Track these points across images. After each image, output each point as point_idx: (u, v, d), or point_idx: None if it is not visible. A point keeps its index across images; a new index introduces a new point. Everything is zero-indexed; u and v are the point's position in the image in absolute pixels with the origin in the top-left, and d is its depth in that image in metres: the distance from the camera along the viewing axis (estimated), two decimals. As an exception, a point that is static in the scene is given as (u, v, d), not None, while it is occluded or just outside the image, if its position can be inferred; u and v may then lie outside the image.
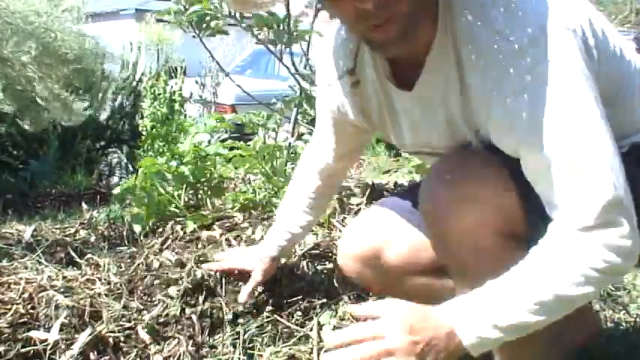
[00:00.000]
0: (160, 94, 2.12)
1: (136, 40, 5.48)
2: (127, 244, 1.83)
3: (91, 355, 1.20)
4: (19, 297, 1.29)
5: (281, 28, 2.08)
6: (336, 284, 1.54)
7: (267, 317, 1.38)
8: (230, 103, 5.99)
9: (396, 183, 2.37)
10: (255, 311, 1.40)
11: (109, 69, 4.52)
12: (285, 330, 1.37)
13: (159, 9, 2.41)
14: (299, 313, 1.42)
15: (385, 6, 0.86)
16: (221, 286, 1.41)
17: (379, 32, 0.90)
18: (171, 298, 1.36)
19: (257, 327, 1.35)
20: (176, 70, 4.51)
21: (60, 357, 1.17)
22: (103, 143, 4.71)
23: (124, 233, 1.89)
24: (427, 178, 1.06)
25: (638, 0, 14.30)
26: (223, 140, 2.49)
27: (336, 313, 1.44)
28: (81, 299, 1.30)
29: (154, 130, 2.01)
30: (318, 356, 1.30)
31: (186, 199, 1.97)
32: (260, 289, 1.43)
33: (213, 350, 1.29)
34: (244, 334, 1.33)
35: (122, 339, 1.25)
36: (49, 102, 2.68)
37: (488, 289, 0.89)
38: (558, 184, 0.87)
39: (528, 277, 0.88)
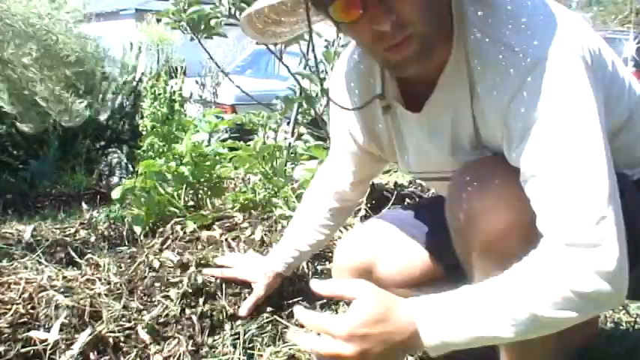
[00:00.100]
0: (160, 94, 2.12)
1: (136, 40, 5.47)
2: (127, 244, 1.83)
3: (91, 355, 1.20)
4: (19, 297, 1.29)
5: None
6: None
7: (267, 317, 1.38)
8: (230, 103, 6.00)
9: (396, 183, 2.37)
10: (255, 311, 1.39)
11: (109, 69, 4.52)
12: (285, 330, 1.37)
13: (159, 9, 2.41)
14: (299, 313, 1.42)
15: (402, 27, 0.87)
16: (221, 291, 1.41)
17: (396, 52, 0.90)
18: (171, 300, 1.36)
19: (257, 327, 1.35)
20: (176, 70, 4.51)
21: (60, 357, 1.17)
22: (103, 143, 4.71)
23: (124, 233, 1.89)
24: (451, 187, 1.03)
25: (638, 0, 14.29)
26: (223, 140, 2.49)
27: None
28: (81, 299, 1.30)
29: (154, 129, 2.00)
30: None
31: (186, 199, 1.97)
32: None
33: (213, 350, 1.29)
34: (244, 334, 1.33)
35: (122, 339, 1.25)
36: (50, 103, 2.68)
37: (464, 295, 0.86)
38: (550, 198, 0.86)
39: (508, 289, 0.85)
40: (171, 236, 1.74)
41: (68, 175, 4.02)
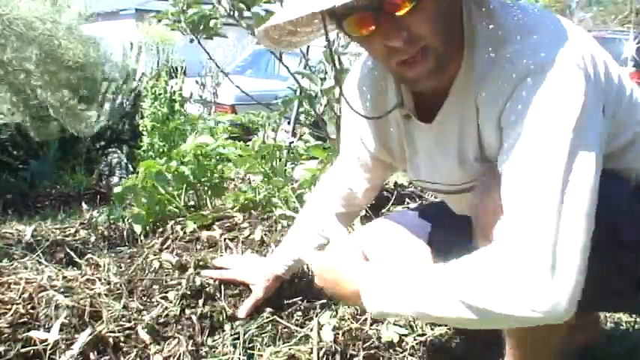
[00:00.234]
0: (160, 94, 2.12)
1: (136, 40, 5.48)
2: (127, 244, 1.83)
3: (91, 355, 1.20)
4: (19, 297, 1.29)
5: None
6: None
7: (267, 317, 1.38)
8: (230, 103, 6.00)
9: (395, 183, 2.37)
10: (254, 312, 1.39)
11: (109, 69, 4.52)
12: (285, 330, 1.37)
13: (159, 9, 2.41)
14: (299, 313, 1.42)
15: (414, 41, 0.88)
16: (221, 291, 1.41)
17: (411, 68, 0.92)
18: (171, 301, 1.36)
19: (257, 327, 1.35)
20: (176, 70, 4.51)
21: (60, 357, 1.17)
22: (103, 143, 4.71)
23: (124, 233, 1.89)
24: (479, 186, 1.04)
25: (638, 0, 14.28)
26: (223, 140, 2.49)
27: (336, 313, 1.43)
28: (81, 299, 1.30)
29: (154, 129, 2.01)
30: (318, 356, 1.30)
31: (186, 199, 1.97)
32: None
33: (213, 350, 1.29)
34: (244, 335, 1.33)
35: (122, 339, 1.25)
36: (58, 111, 2.68)
37: (406, 273, 0.92)
38: (517, 217, 0.85)
39: (446, 279, 0.87)
40: (171, 236, 1.74)
41: (68, 175, 4.03)
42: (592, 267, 0.89)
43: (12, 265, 1.51)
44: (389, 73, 1.07)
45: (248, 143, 2.07)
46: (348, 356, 1.33)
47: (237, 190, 2.11)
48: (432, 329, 1.45)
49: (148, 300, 1.38)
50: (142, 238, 1.84)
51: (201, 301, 1.37)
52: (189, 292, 1.37)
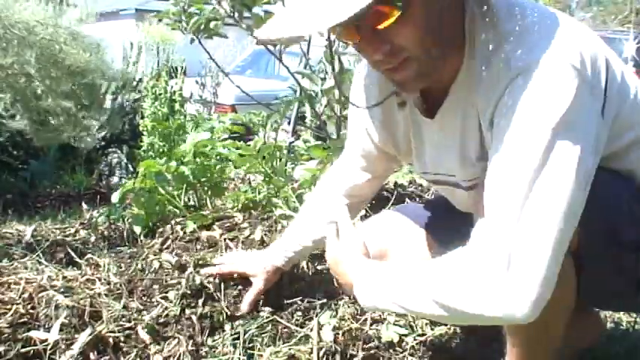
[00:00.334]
0: (160, 94, 2.12)
1: (136, 40, 5.48)
2: (127, 244, 1.83)
3: (91, 355, 1.20)
4: (19, 297, 1.29)
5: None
6: (336, 284, 1.54)
7: (267, 317, 1.38)
8: (230, 103, 5.99)
9: (396, 183, 2.37)
10: (255, 311, 1.39)
11: (109, 70, 4.52)
12: (285, 330, 1.37)
13: (159, 9, 2.41)
14: (299, 313, 1.42)
15: (396, 53, 0.90)
16: (221, 291, 1.41)
17: (395, 73, 0.94)
18: (171, 301, 1.36)
19: (257, 327, 1.35)
20: (176, 70, 4.51)
21: (60, 357, 1.17)
22: (103, 143, 4.71)
23: (124, 233, 1.89)
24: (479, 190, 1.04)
25: (638, 0, 14.28)
26: (223, 140, 2.49)
27: (336, 313, 1.44)
28: (81, 299, 1.30)
29: (154, 129, 2.01)
30: (318, 356, 1.30)
31: (186, 199, 1.97)
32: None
33: (213, 350, 1.29)
34: (244, 334, 1.33)
35: (122, 339, 1.25)
36: (59, 118, 2.68)
37: (396, 271, 0.97)
38: (496, 218, 0.86)
39: (430, 278, 0.91)
40: (171, 236, 1.74)
41: (68, 175, 4.03)
42: (591, 267, 0.89)
43: (12, 265, 1.51)
44: None
45: (248, 143, 2.07)
46: (348, 356, 1.33)
47: (237, 190, 2.11)
48: (432, 329, 1.45)
49: (148, 300, 1.38)
50: (142, 238, 1.84)
51: (201, 301, 1.37)
52: (189, 292, 1.37)
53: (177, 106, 2.32)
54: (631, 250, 0.97)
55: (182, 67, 4.72)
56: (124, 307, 1.33)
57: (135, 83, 4.95)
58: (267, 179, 2.00)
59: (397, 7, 0.84)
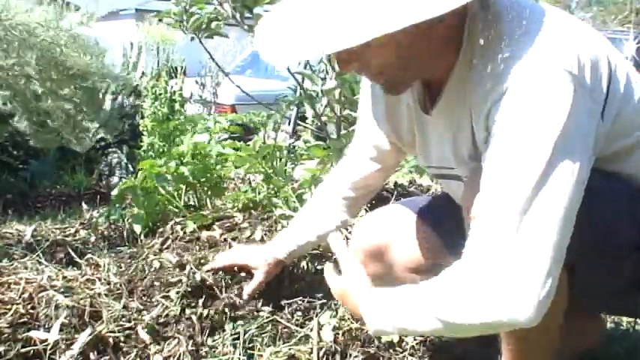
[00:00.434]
0: (160, 94, 2.12)
1: (136, 40, 5.48)
2: (127, 244, 1.83)
3: (91, 355, 1.20)
4: (19, 297, 1.29)
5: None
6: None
7: (267, 317, 1.38)
8: (230, 103, 5.99)
9: (396, 183, 2.37)
10: (255, 311, 1.39)
11: (110, 73, 4.52)
12: (285, 330, 1.37)
13: (159, 9, 2.41)
14: (299, 313, 1.42)
15: (365, 69, 0.95)
16: (220, 289, 1.41)
17: (374, 80, 1.00)
18: (171, 300, 1.36)
19: (257, 327, 1.35)
20: (176, 70, 4.51)
21: (60, 357, 1.17)
22: (103, 143, 4.71)
23: (124, 233, 1.89)
24: (466, 183, 1.06)
25: (638, 0, 14.27)
26: (223, 140, 2.49)
27: (336, 313, 1.43)
28: (81, 299, 1.30)
29: (154, 129, 2.01)
30: (318, 356, 1.30)
31: (186, 199, 1.97)
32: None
33: (213, 350, 1.29)
34: (244, 334, 1.33)
35: (122, 339, 1.25)
36: (57, 121, 2.68)
37: (399, 295, 0.97)
38: (488, 231, 0.86)
39: (433, 298, 0.91)
40: (171, 236, 1.74)
41: (68, 175, 4.03)
42: (588, 268, 0.89)
43: (12, 265, 1.51)
44: None
45: (248, 143, 2.07)
46: (348, 356, 1.33)
47: (237, 190, 2.11)
48: (432, 329, 1.45)
49: (148, 300, 1.38)
50: (142, 238, 1.84)
51: (201, 301, 1.37)
52: (189, 290, 1.37)
53: (177, 106, 2.32)
54: (629, 251, 0.97)
55: (182, 67, 4.72)
56: (124, 307, 1.33)
57: (135, 83, 4.95)
58: (267, 179, 2.00)
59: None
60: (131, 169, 4.22)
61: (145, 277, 1.46)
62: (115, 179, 4.29)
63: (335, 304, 1.47)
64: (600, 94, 0.89)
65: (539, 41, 0.87)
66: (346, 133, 2.17)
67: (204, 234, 1.71)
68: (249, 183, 2.26)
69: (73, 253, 1.69)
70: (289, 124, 2.81)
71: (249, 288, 1.40)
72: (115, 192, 1.92)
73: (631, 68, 0.99)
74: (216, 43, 2.38)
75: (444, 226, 1.26)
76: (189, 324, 1.31)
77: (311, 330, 1.37)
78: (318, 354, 1.30)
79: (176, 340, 1.28)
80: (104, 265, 1.54)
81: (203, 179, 2.00)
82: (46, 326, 1.23)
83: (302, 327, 1.38)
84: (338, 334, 1.36)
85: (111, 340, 1.24)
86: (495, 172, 0.86)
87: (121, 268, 1.55)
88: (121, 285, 1.41)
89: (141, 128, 2.09)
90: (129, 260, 1.60)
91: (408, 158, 2.60)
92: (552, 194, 0.83)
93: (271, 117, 2.26)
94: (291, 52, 0.86)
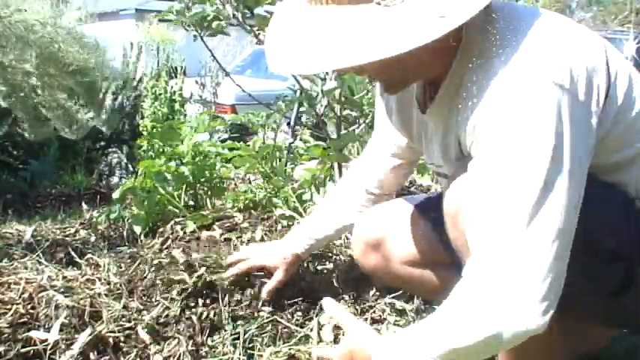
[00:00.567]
0: (160, 94, 2.12)
1: (136, 40, 5.48)
2: (127, 244, 1.83)
3: (91, 355, 1.20)
4: (19, 297, 1.29)
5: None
6: (336, 284, 1.54)
7: (267, 317, 1.38)
8: (230, 103, 6.00)
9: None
10: (255, 311, 1.39)
11: (109, 70, 4.52)
12: (285, 330, 1.37)
13: (159, 9, 2.41)
14: (299, 313, 1.42)
15: (364, 72, 1.00)
16: (222, 291, 1.41)
17: (372, 80, 1.04)
18: (173, 299, 1.36)
19: (257, 327, 1.35)
20: (176, 70, 4.51)
21: (60, 357, 1.17)
22: (103, 143, 4.71)
23: (124, 233, 1.89)
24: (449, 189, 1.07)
25: (638, 0, 14.27)
26: (223, 140, 2.49)
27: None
28: (81, 299, 1.30)
29: (154, 129, 2.01)
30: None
31: (186, 199, 1.97)
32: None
33: (213, 350, 1.29)
34: (244, 334, 1.33)
35: (122, 339, 1.25)
36: (52, 110, 2.68)
37: (409, 336, 0.95)
38: (481, 231, 0.87)
39: (441, 332, 0.90)
40: (171, 236, 1.74)
41: (68, 175, 4.03)
42: (573, 277, 0.89)
43: (12, 265, 1.51)
44: None
45: (248, 143, 2.07)
46: (348, 356, 1.32)
47: (237, 190, 2.11)
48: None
49: (148, 300, 1.38)
50: (142, 238, 1.84)
51: (201, 301, 1.37)
52: (190, 290, 1.37)
53: (177, 106, 2.33)
54: (609, 259, 0.97)
55: (182, 67, 4.72)
56: (124, 307, 1.33)
57: (135, 83, 4.95)
58: (266, 179, 2.00)
59: None
60: (131, 169, 4.22)
61: (145, 277, 1.46)
62: (115, 179, 4.29)
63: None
64: (595, 102, 0.89)
65: (531, 52, 0.87)
66: (346, 133, 2.17)
67: (204, 234, 1.72)
68: (249, 183, 2.26)
69: (73, 253, 1.69)
70: (289, 124, 2.81)
71: (268, 287, 1.39)
72: (116, 194, 1.92)
73: (634, 72, 0.98)
74: (216, 43, 2.38)
75: (441, 221, 1.27)
76: (189, 324, 1.31)
77: (311, 330, 1.37)
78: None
79: (176, 340, 1.28)
80: (104, 265, 1.54)
81: (203, 179, 2.00)
82: (46, 326, 1.23)
83: (302, 327, 1.38)
84: (338, 334, 1.36)
85: (111, 340, 1.24)
86: (487, 192, 0.87)
87: (121, 268, 1.55)
88: (121, 285, 1.41)
89: (141, 128, 2.09)
90: (129, 260, 1.60)
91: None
92: (548, 214, 0.84)
93: (271, 117, 2.26)
94: (287, 66, 0.92)
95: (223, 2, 1.95)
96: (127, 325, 1.28)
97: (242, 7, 1.95)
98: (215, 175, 2.04)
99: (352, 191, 1.40)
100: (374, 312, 1.46)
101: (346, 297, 1.48)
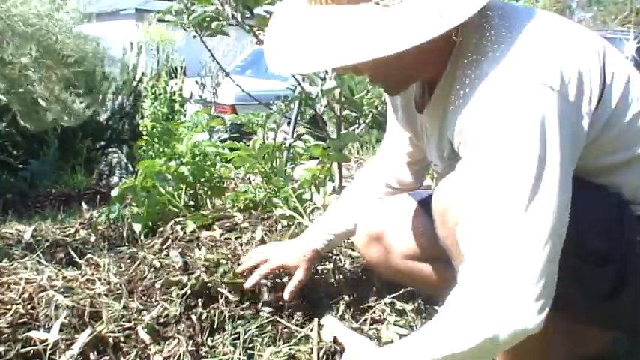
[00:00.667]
0: (160, 94, 2.12)
1: (136, 40, 5.48)
2: (127, 244, 1.83)
3: (91, 355, 1.20)
4: (19, 297, 1.29)
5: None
6: (336, 284, 1.54)
7: (267, 317, 1.38)
8: (230, 103, 5.99)
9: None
10: (255, 311, 1.39)
11: (109, 69, 4.52)
12: (285, 330, 1.37)
13: (159, 9, 2.41)
14: (299, 313, 1.42)
15: (359, 74, 1.03)
16: (221, 292, 1.41)
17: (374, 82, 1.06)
18: (172, 300, 1.36)
19: (257, 327, 1.35)
20: (176, 70, 4.51)
21: (60, 357, 1.17)
22: (103, 143, 4.71)
23: (124, 233, 1.89)
24: (437, 188, 1.08)
25: (639, 0, 14.26)
26: (223, 140, 2.49)
27: (337, 313, 1.43)
28: (81, 299, 1.30)
29: (154, 130, 2.01)
30: (318, 356, 1.30)
31: (186, 199, 1.97)
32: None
33: (213, 350, 1.29)
34: (244, 334, 1.33)
35: (122, 339, 1.25)
36: (49, 102, 2.68)
37: (411, 342, 0.95)
38: (479, 246, 0.87)
39: (437, 340, 0.90)
40: (171, 236, 1.74)
41: (68, 175, 4.03)
42: (565, 279, 0.89)
43: (12, 265, 1.51)
44: None
45: (248, 143, 2.07)
46: (348, 356, 1.32)
47: (237, 190, 2.11)
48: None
49: (148, 300, 1.38)
50: (142, 238, 1.84)
51: (201, 301, 1.37)
52: (190, 291, 1.37)
53: (177, 106, 2.32)
54: (600, 262, 0.97)
55: (182, 67, 4.72)
56: (124, 307, 1.33)
57: (135, 83, 4.95)
58: (266, 179, 2.00)
59: None
60: (131, 169, 4.22)
61: (145, 277, 1.46)
62: (115, 179, 4.29)
63: (335, 304, 1.47)
64: (586, 104, 0.89)
65: (523, 52, 0.87)
66: (346, 133, 2.17)
67: (204, 234, 1.72)
68: (249, 183, 2.26)
69: (73, 253, 1.69)
70: (289, 124, 2.81)
71: (290, 287, 1.39)
72: (115, 192, 1.92)
73: (634, 74, 0.98)
74: (216, 43, 2.38)
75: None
76: (189, 324, 1.31)
77: (311, 330, 1.37)
78: (318, 354, 1.30)
79: (176, 340, 1.28)
80: (104, 265, 1.54)
81: (203, 179, 2.00)
82: (46, 326, 1.23)
83: (302, 327, 1.38)
84: (338, 334, 1.36)
85: (111, 340, 1.24)
86: (476, 194, 0.88)
87: (121, 268, 1.55)
88: (121, 285, 1.41)
89: (141, 128, 2.09)
90: (129, 260, 1.60)
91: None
92: (539, 214, 0.84)
93: (271, 117, 2.26)
94: (286, 66, 0.93)
95: (222, 2, 1.95)
96: (127, 325, 1.28)
97: (241, 8, 1.95)
98: (215, 175, 2.04)
99: (371, 185, 1.42)
100: (374, 312, 1.46)
101: (346, 297, 1.48)
